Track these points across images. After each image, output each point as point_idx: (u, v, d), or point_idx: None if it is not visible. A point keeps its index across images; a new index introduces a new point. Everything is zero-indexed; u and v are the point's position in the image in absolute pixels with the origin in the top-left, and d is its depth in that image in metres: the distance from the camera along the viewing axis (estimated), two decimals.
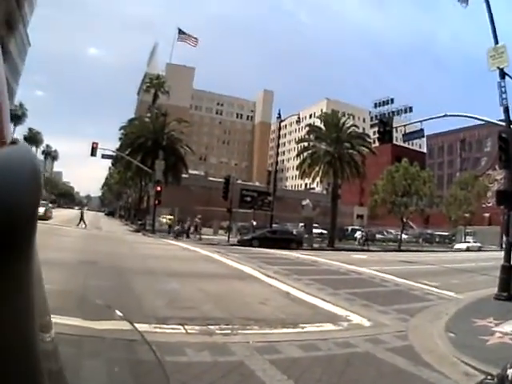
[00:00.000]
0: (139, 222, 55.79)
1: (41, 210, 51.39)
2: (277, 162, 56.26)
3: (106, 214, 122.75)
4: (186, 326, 8.87)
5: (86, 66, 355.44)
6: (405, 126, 28.42)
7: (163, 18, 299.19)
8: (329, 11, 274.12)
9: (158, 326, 8.65)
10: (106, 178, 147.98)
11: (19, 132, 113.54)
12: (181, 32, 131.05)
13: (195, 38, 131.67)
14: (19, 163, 0.73)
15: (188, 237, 45.37)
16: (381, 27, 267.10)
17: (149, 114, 70.10)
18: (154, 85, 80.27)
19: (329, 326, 10.57)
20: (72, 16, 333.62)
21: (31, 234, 0.72)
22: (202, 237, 45.46)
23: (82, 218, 49.50)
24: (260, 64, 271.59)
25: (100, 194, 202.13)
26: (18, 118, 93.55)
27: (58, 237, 29.42)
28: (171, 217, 51.91)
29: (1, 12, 71.74)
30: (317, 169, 49.86)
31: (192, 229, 47.05)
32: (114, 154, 59.31)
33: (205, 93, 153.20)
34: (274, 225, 49.18)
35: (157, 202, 47.66)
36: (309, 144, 52.94)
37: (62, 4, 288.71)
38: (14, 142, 0.81)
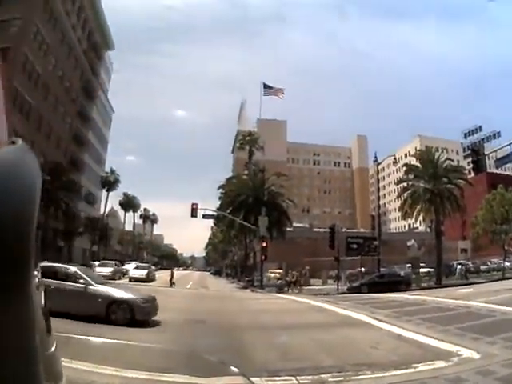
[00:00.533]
0: (246, 279, 55.70)
1: (143, 272, 52.78)
2: (379, 206, 55.72)
3: (211, 274, 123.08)
4: (298, 377, 8.81)
5: (176, 128, 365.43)
6: (495, 151, 28.20)
7: (246, 75, 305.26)
8: (405, 47, 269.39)
9: (269, 378, 8.69)
10: (210, 238, 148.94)
11: (114, 198, 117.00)
12: (266, 86, 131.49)
13: (280, 89, 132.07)
14: (18, 163, 0.74)
15: (291, 289, 44.80)
16: (456, 55, 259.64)
17: (246, 171, 70.55)
18: (247, 142, 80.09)
19: (440, 363, 10.45)
20: (156, 80, 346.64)
21: (30, 235, 0.72)
22: (310, 287, 45.42)
23: (171, 278, 48.68)
24: (347, 108, 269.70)
25: (204, 253, 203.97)
26: (110, 184, 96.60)
27: (164, 297, 29.71)
28: (280, 271, 51.89)
29: (76, 81, 76.62)
30: (418, 207, 49.02)
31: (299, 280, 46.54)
32: (215, 213, 60.06)
33: (300, 145, 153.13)
34: (381, 269, 48.33)
35: (263, 257, 47.61)
36: (408, 184, 52.20)
37: (143, 69, 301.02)
38: (14, 142, 0.82)
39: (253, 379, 7.20)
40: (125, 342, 8.87)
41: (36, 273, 0.77)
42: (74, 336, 7.88)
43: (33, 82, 60.16)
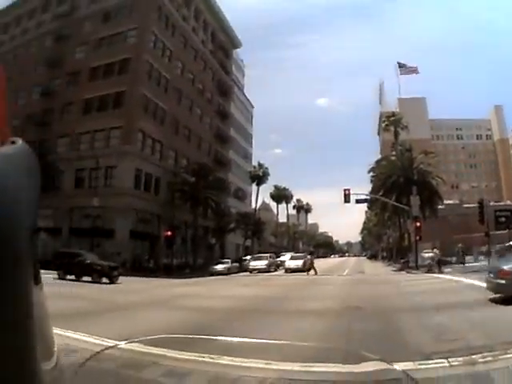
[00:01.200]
0: (402, 261, 54.63)
1: (299, 262, 52.45)
2: None
3: (367, 258, 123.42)
4: (450, 359, 8.19)
5: (318, 116, 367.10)
6: None
7: (378, 56, 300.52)
8: None
9: (422, 362, 8.08)
10: (364, 222, 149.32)
11: (265, 191, 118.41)
12: (400, 65, 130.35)
13: (414, 68, 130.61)
14: (17, 162, 0.75)
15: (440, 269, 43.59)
16: None
17: (393, 152, 70.59)
18: (391, 122, 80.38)
19: None
20: (293, 72, 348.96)
21: (29, 235, 0.72)
22: (463, 265, 44.98)
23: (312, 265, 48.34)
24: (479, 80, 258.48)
25: (360, 238, 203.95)
26: (259, 178, 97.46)
27: (320, 286, 30.37)
28: (436, 250, 50.42)
29: (209, 81, 77.98)
30: None
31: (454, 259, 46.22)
32: (367, 197, 59.91)
33: (441, 121, 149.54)
34: None
35: (417, 237, 47.46)
36: None
37: (281, 63, 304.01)
38: (14, 141, 0.82)
39: (406, 363, 7.31)
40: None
41: (36, 272, 0.79)
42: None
43: (162, 87, 62.12)
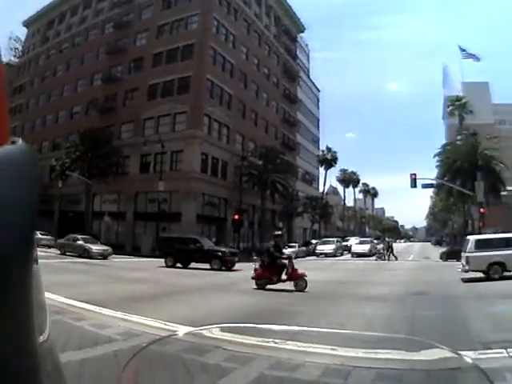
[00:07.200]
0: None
1: (366, 247, 52.24)
2: None
3: (432, 244, 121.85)
4: (509, 349, 8.08)
5: (388, 101, 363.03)
6: None
7: (445, 40, 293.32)
8: None
9: (482, 352, 8.05)
10: (430, 208, 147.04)
11: (333, 175, 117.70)
12: (462, 50, 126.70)
13: (475, 55, 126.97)
14: (17, 162, 0.74)
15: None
16: None
17: (459, 137, 70.12)
18: (456, 107, 79.67)
19: None
20: (365, 56, 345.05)
21: (30, 234, 0.73)
22: None
23: (391, 251, 48.29)
24: None
25: (425, 223, 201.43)
26: (328, 161, 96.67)
27: (386, 271, 31.09)
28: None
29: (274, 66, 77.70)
30: None
31: None
32: (433, 182, 58.48)
33: (506, 105, 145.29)
34: None
35: (481, 223, 46.57)
36: None
37: (353, 47, 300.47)
38: (14, 141, 0.81)
39: (467, 352, 6.69)
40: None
41: (36, 270, 0.79)
42: None
43: (227, 72, 62.28)
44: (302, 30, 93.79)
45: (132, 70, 62.45)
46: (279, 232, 24.55)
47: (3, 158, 0.72)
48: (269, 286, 18.84)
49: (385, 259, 46.04)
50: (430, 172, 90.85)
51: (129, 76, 61.81)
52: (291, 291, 18.00)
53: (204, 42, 57.38)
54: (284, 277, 18.77)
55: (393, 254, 47.02)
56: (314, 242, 65.65)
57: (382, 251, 48.76)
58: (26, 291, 0.71)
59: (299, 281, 18.41)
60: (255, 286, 18.95)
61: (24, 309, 0.71)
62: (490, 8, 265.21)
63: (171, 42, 58.50)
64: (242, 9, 67.35)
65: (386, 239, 55.47)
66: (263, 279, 19.15)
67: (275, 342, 7.58)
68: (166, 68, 57.48)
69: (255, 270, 19.55)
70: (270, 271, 19.10)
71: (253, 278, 19.37)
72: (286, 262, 19.12)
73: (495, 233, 40.35)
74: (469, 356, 6.02)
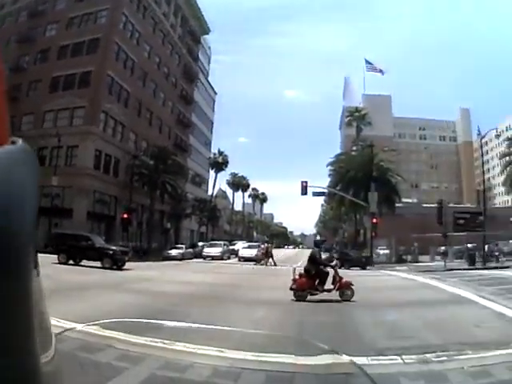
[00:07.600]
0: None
1: (253, 251, 52.71)
2: (484, 181, 54.54)
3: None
4: (404, 356, 8.37)
5: (283, 108, 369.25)
6: None
7: (352, 51, 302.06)
8: None
9: (375, 357, 8.29)
10: (320, 215, 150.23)
11: (224, 179, 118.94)
12: (368, 62, 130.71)
13: (380, 68, 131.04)
14: (17, 162, 0.75)
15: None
16: None
17: (355, 148, 71.44)
18: (355, 118, 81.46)
19: None
20: (264, 61, 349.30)
21: (29, 233, 0.73)
22: (418, 264, 46.48)
23: (270, 256, 47.59)
24: (448, 81, 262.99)
25: (314, 231, 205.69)
26: (218, 165, 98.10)
27: (276, 277, 30.23)
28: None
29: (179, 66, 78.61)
30: None
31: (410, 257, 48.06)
32: (325, 190, 60.21)
33: (405, 119, 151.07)
34: (486, 245, 46.68)
35: (373, 234, 48.53)
36: (510, 157, 50.17)
37: (252, 51, 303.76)
38: (14, 142, 0.82)
39: (359, 358, 7.46)
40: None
41: (35, 269, 0.79)
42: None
43: (128, 70, 61.83)
44: (206, 31, 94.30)
45: (38, 61, 60.62)
46: (323, 238, 23.16)
47: (3, 158, 0.72)
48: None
49: (263, 264, 46.31)
50: (323, 181, 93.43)
51: (34, 67, 59.87)
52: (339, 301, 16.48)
53: (109, 37, 56.82)
54: (330, 286, 16.70)
55: (272, 259, 47.16)
56: (200, 244, 65.91)
57: (260, 256, 49.13)
58: (26, 292, 0.69)
59: (346, 290, 16.73)
60: (294, 298, 16.53)
61: (24, 309, 0.70)
62: (397, 23, 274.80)
63: (79, 35, 57.46)
64: (152, 7, 67.29)
65: (265, 244, 56.04)
66: (306, 290, 16.56)
67: (164, 343, 7.85)
68: (70, 61, 56.29)
69: (294, 279, 16.93)
70: (314, 280, 16.79)
71: (291, 289, 16.76)
72: (330, 269, 17.07)
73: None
74: (359, 361, 6.65)
